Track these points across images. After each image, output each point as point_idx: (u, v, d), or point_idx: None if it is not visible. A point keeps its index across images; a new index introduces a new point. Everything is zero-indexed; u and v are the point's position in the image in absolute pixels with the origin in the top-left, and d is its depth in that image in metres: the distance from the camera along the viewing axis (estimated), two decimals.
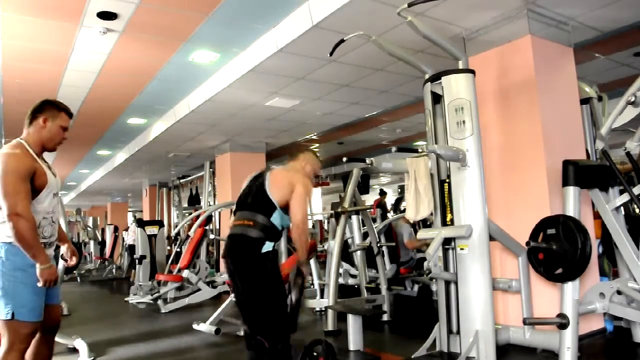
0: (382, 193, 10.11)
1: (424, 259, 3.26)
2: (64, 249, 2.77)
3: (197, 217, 7.45)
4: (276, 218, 2.66)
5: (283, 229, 2.75)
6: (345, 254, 5.85)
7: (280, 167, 2.93)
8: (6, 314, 2.25)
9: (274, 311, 2.60)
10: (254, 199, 2.73)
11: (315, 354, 2.95)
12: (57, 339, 4.31)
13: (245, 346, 2.75)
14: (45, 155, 2.57)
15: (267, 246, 2.61)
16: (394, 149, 4.41)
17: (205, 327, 4.82)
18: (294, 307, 2.79)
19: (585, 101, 4.30)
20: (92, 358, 4.01)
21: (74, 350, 4.10)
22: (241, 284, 2.66)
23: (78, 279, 11.15)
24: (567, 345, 3.06)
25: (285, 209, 2.68)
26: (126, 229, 12.71)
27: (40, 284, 2.29)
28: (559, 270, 3.17)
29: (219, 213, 9.08)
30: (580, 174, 3.30)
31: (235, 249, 2.67)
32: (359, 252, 5.43)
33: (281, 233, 2.74)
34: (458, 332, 3.29)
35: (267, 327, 2.58)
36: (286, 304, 2.71)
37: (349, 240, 5.64)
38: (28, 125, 2.49)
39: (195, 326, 4.96)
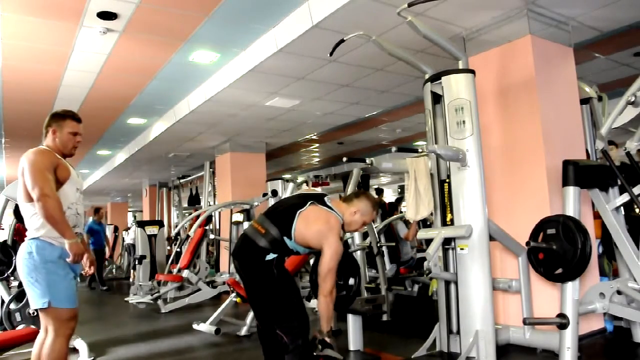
0: (379, 192, 10.11)
1: (424, 259, 3.26)
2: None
3: (197, 217, 7.45)
4: (289, 241, 2.63)
5: (293, 251, 2.70)
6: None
7: (321, 207, 2.69)
8: (43, 303, 2.43)
9: (288, 310, 2.63)
10: (281, 213, 2.70)
11: (314, 353, 2.96)
12: None
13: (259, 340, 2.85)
14: None
15: (271, 256, 2.61)
16: (394, 149, 4.41)
17: (205, 327, 4.82)
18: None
19: (585, 101, 4.29)
20: (92, 358, 4.01)
21: (74, 350, 4.09)
22: (247, 286, 2.74)
23: (78, 278, 11.13)
24: (567, 345, 3.06)
25: (299, 245, 2.64)
26: (126, 229, 12.71)
27: (69, 259, 2.47)
28: (559, 270, 3.17)
29: (219, 213, 9.08)
30: (580, 174, 3.30)
31: (241, 253, 2.69)
32: (358, 252, 5.43)
33: (290, 252, 2.70)
34: (458, 332, 3.29)
35: (285, 324, 2.62)
36: (301, 301, 2.74)
37: (349, 241, 5.64)
38: (44, 139, 2.73)
39: (195, 326, 4.96)
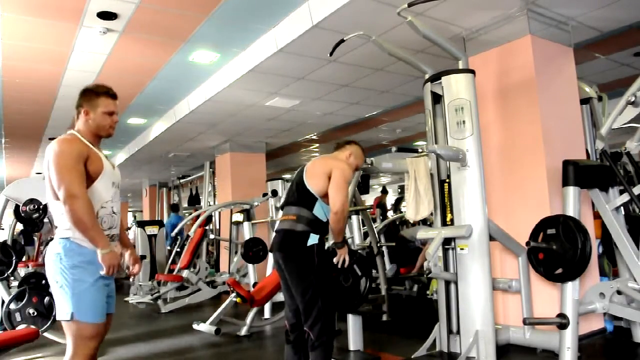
0: (384, 191, 10.07)
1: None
2: (126, 256, 2.49)
3: (197, 217, 7.45)
4: (319, 210, 2.69)
5: (328, 221, 2.74)
6: None
7: (320, 156, 2.91)
8: (66, 314, 2.12)
9: (321, 304, 2.64)
10: (296, 193, 2.79)
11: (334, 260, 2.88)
12: (56, 338, 4.36)
13: (286, 341, 2.87)
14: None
15: (313, 239, 2.65)
16: (394, 149, 4.42)
17: (205, 327, 4.82)
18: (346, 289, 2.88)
19: (585, 101, 4.30)
20: None
21: None
22: (290, 277, 2.74)
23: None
24: (567, 345, 3.06)
25: (326, 199, 2.69)
26: (126, 229, 12.71)
27: (103, 272, 2.14)
28: (559, 270, 3.17)
29: (219, 213, 9.08)
30: (580, 174, 3.30)
31: (282, 244, 2.74)
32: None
33: (327, 225, 2.75)
34: (458, 332, 3.29)
35: (315, 319, 2.63)
36: (333, 298, 2.76)
37: (349, 240, 5.64)
38: (77, 119, 2.38)
39: (195, 326, 4.96)
